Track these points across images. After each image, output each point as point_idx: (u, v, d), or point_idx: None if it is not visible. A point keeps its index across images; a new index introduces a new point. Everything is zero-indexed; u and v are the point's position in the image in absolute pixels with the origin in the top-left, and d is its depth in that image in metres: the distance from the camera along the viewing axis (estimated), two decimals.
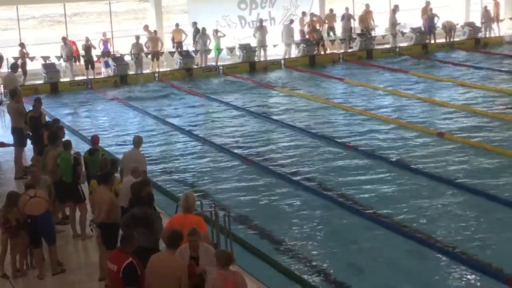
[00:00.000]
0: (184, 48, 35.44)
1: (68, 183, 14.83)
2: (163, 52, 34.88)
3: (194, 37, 35.44)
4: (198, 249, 10.00)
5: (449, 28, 38.83)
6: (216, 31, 35.83)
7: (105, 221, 12.25)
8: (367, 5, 38.18)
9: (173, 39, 35.64)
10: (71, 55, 33.03)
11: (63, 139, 15.86)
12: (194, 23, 35.66)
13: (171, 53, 35.07)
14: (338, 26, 38.44)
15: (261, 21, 37.01)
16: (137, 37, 34.43)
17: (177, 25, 35.98)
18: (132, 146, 15.58)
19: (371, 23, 38.19)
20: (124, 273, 9.70)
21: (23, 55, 32.32)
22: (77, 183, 14.84)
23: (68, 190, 14.82)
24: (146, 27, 35.67)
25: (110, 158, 14.42)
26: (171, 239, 9.76)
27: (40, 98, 19.90)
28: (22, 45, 32.74)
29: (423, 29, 38.55)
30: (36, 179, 13.58)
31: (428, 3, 38.59)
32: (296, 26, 37.29)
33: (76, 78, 33.38)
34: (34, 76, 32.82)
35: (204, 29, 35.11)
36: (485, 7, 40.50)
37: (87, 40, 33.60)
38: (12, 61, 30.67)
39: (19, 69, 29.72)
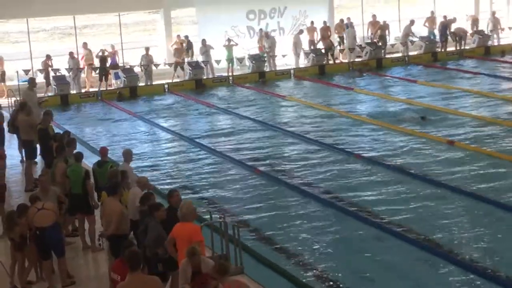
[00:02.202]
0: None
1: (77, 195, 14.85)
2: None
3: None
4: (200, 264, 10.01)
5: (459, 36, 38.82)
6: (229, 40, 35.90)
7: (115, 233, 12.26)
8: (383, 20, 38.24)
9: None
10: (76, 69, 33.05)
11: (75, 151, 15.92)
12: (203, 40, 35.65)
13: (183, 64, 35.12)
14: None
15: (261, 30, 37.19)
16: (147, 49, 34.52)
17: (178, 36, 36.13)
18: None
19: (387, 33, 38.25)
20: None
21: (47, 67, 32.41)
22: (87, 195, 14.87)
23: (77, 202, 14.82)
24: (178, 37, 36.00)
25: (121, 170, 14.41)
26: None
27: (50, 111, 19.95)
28: (48, 57, 32.81)
29: (437, 38, 38.48)
30: (44, 188, 13.64)
31: (433, 13, 38.64)
32: (305, 36, 37.31)
33: (87, 90, 33.43)
34: (44, 89, 32.91)
35: (204, 40, 35.17)
36: (493, 13, 40.47)
37: (103, 51, 33.68)
38: (23, 74, 30.79)
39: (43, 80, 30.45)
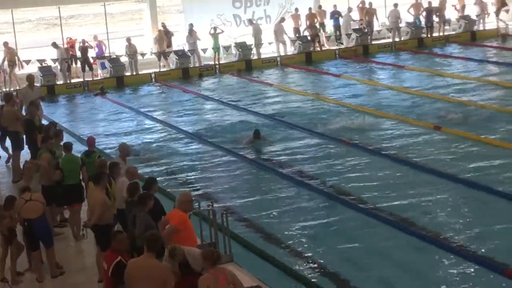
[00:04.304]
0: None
1: (73, 185, 14.81)
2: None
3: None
4: (184, 256, 10.12)
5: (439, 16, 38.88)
6: (215, 28, 35.83)
7: (98, 223, 12.28)
8: (368, 3, 38.21)
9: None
10: (62, 59, 32.93)
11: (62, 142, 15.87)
12: (190, 25, 35.56)
13: (167, 53, 35.02)
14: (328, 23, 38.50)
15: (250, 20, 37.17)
16: (128, 39, 34.45)
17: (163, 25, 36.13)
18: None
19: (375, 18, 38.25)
20: (112, 272, 9.72)
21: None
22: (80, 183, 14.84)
23: (72, 192, 14.78)
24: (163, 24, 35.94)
25: (113, 161, 14.39)
26: (149, 242, 9.56)
27: (37, 102, 19.86)
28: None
29: (423, 24, 38.54)
30: (28, 175, 13.59)
31: None
32: (290, 24, 37.29)
33: (73, 81, 33.35)
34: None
35: (191, 29, 35.11)
36: None
37: (84, 41, 33.61)
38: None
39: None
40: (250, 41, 36.38)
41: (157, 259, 9.54)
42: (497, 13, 39.86)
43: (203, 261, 9.38)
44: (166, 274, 9.36)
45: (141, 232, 10.82)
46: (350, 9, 38.63)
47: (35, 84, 22.93)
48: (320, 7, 38.55)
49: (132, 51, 34.09)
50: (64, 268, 13.18)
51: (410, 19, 39.07)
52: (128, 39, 34.46)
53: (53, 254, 12.96)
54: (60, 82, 32.96)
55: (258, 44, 36.17)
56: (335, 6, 38.42)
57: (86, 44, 33.58)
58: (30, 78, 21.77)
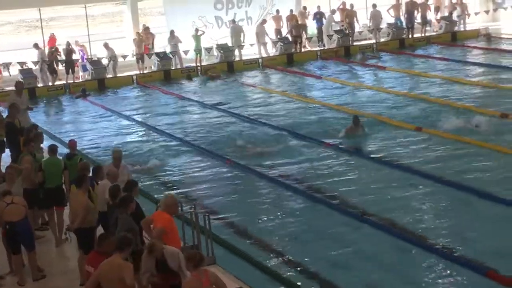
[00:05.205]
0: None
1: (55, 188, 14.75)
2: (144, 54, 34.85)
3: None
4: (163, 254, 10.10)
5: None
6: (196, 30, 35.79)
7: (81, 226, 12.23)
8: (349, 4, 38.28)
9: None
10: (43, 60, 32.77)
11: (43, 144, 15.79)
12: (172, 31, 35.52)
13: (148, 55, 34.97)
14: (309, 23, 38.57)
15: (233, 21, 37.18)
16: (105, 44, 34.38)
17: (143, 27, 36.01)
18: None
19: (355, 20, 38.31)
20: None
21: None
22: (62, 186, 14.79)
23: (54, 195, 14.73)
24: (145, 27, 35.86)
25: (96, 165, 14.32)
26: (119, 243, 9.75)
27: (17, 104, 19.70)
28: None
29: (404, 24, 38.66)
30: (11, 180, 13.50)
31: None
32: (271, 25, 37.32)
33: (55, 83, 33.17)
34: (11, 82, 32.56)
35: (172, 31, 35.11)
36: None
37: (68, 44, 33.47)
38: None
39: None
40: (230, 42, 36.36)
41: (135, 262, 9.61)
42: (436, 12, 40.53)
43: (186, 262, 9.37)
44: (124, 271, 9.42)
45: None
46: (333, 11, 38.68)
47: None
48: (305, 8, 38.58)
49: (111, 55, 33.98)
50: (45, 271, 13.11)
51: (391, 20, 39.14)
52: (106, 44, 34.38)
53: (34, 258, 12.89)
54: (40, 84, 32.76)
55: (239, 45, 36.13)
56: (318, 7, 38.45)
57: (71, 46, 33.44)
58: (18, 85, 21.54)
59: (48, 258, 13.90)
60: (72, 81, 33.21)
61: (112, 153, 15.09)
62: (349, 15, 38.06)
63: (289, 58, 36.40)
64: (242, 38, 36.41)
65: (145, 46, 34.84)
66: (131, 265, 9.68)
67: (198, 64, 35.34)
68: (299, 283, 12.66)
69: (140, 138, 23.81)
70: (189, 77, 33.86)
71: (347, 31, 37.77)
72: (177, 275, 10.02)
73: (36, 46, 33.01)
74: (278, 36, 37.24)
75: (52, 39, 34.90)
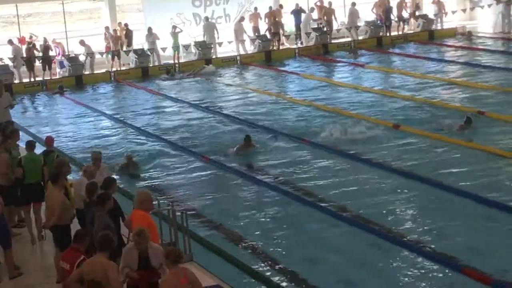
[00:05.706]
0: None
1: (33, 184, 14.66)
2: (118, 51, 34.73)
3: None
4: (147, 250, 10.02)
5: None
6: (174, 27, 35.71)
7: (57, 224, 12.19)
8: (327, 2, 38.34)
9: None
10: (20, 57, 32.57)
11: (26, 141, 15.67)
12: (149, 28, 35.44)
13: (126, 52, 34.85)
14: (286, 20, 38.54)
15: (206, 18, 37.12)
16: (81, 41, 34.23)
17: (120, 24, 35.88)
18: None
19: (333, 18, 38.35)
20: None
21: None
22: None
23: (32, 191, 14.64)
24: (119, 24, 35.66)
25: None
26: (100, 243, 9.71)
27: None
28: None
29: (380, 22, 38.78)
30: None
31: None
32: (249, 23, 37.32)
33: (32, 79, 32.97)
34: None
35: (150, 28, 35.04)
36: None
37: (45, 40, 33.31)
38: None
39: None
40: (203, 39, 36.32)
41: (112, 259, 9.56)
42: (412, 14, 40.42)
43: (165, 259, 9.36)
44: (109, 271, 9.35)
45: (99, 232, 10.76)
46: (312, 9, 38.66)
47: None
48: (281, 6, 38.59)
49: (87, 52, 33.86)
50: (22, 269, 13.05)
51: (370, 18, 39.25)
52: (81, 41, 34.24)
53: (11, 255, 12.82)
54: (16, 81, 32.57)
55: (213, 42, 36.06)
56: (297, 5, 38.44)
57: (48, 43, 33.28)
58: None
59: (24, 255, 13.83)
60: (49, 78, 33.04)
61: (91, 155, 14.92)
62: (327, 12, 38.14)
63: (267, 56, 36.41)
64: (216, 36, 36.33)
65: (120, 43, 34.73)
66: (116, 265, 9.66)
67: (176, 61, 35.25)
68: (275, 279, 12.67)
69: (117, 136, 23.71)
70: (169, 73, 33.74)
71: (325, 29, 37.85)
72: (157, 273, 9.99)
73: (10, 42, 32.83)
74: (256, 34, 37.22)
75: (22, 39, 34.56)
